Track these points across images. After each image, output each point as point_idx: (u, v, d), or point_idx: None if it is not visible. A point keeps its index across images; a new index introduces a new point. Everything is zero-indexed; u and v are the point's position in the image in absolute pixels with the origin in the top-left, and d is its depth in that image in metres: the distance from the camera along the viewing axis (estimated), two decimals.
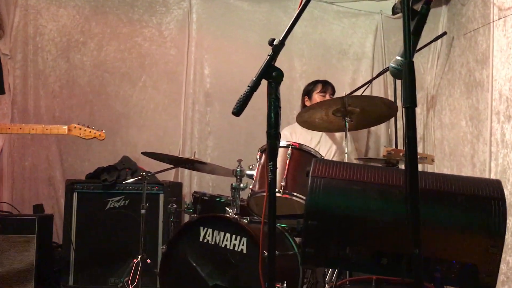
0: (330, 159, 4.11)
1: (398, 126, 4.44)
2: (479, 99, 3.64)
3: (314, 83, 4.30)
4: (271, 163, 1.84)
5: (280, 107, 1.87)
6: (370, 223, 2.05)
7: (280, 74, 1.87)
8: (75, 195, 4.02)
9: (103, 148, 4.55)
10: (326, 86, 4.24)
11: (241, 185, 3.28)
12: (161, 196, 4.05)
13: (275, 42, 1.87)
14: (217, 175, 4.35)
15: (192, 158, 3.68)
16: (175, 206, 3.60)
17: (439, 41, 4.35)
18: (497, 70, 3.39)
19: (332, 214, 2.07)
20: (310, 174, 2.12)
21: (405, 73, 1.52)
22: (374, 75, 4.67)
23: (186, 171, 4.65)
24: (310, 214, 2.07)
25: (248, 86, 1.83)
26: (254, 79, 1.84)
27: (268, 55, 1.87)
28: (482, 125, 3.56)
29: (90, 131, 3.56)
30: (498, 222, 2.01)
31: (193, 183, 4.69)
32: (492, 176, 3.34)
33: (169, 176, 4.50)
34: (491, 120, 3.41)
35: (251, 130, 4.80)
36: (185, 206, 3.58)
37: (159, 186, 4.07)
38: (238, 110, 1.81)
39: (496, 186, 2.09)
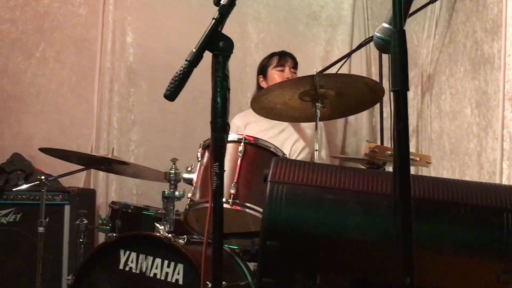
0: (295, 158, 4.13)
1: (385, 115, 4.49)
2: (488, 80, 3.72)
3: (269, 56, 4.32)
4: (217, 164, 1.83)
5: (229, 89, 1.86)
6: (348, 244, 2.07)
7: (229, 45, 1.86)
8: None
9: None
10: (284, 58, 4.26)
11: (177, 193, 3.25)
12: (67, 208, 4.01)
13: (222, 1, 1.86)
14: (144, 180, 4.31)
15: (110, 156, 3.63)
16: (85, 221, 3.55)
17: (437, 3, 4.42)
18: (511, 42, 3.46)
19: (298, 232, 2.08)
20: (269, 178, 2.12)
21: (395, 45, 1.54)
22: (354, 47, 4.70)
23: (101, 174, 4.60)
24: (269, 232, 2.07)
25: (186, 61, 1.82)
26: (194, 51, 1.82)
27: (214, 18, 1.86)
28: (492, 114, 3.64)
29: None
30: (511, 241, 2.07)
31: (110, 190, 4.66)
32: (504, 181, 3.43)
33: (78, 181, 4.47)
34: (504, 107, 3.49)
35: (190, 120, 4.77)
36: (100, 221, 3.54)
37: (64, 195, 4.02)
38: (172, 93, 1.79)
39: (509, 194, 2.15)
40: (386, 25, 1.71)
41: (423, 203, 2.11)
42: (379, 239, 2.09)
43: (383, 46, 1.71)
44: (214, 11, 1.87)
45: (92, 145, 4.68)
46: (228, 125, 1.87)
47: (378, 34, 1.72)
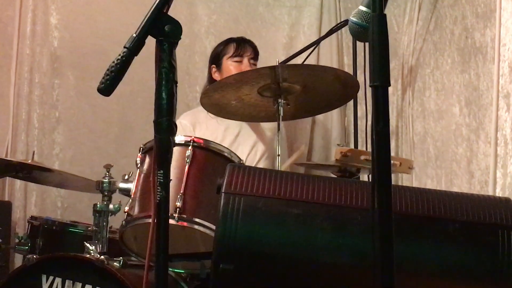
0: (254, 165, 4.14)
1: (359, 114, 4.54)
2: (479, 74, 3.78)
3: (224, 43, 4.33)
4: (162, 171, 1.83)
5: (176, 82, 1.86)
6: (316, 267, 2.09)
7: (176, 29, 1.86)
8: None
9: None
10: (243, 46, 4.27)
11: (111, 206, 3.25)
12: None
13: None
14: (71, 190, 4.31)
15: (30, 162, 3.60)
16: None
17: None
18: (506, 29, 3.51)
19: (257, 254, 2.09)
20: (223, 189, 2.13)
21: (374, 32, 1.55)
22: (323, 33, 4.73)
23: (19, 183, 4.57)
24: (223, 253, 2.08)
25: (125, 48, 1.81)
26: (134, 36, 1.82)
27: None
28: (484, 113, 3.69)
29: None
30: (508, 263, 2.10)
31: (30, 202, 4.62)
32: (498, 192, 3.47)
33: None
34: (498, 106, 3.54)
35: (127, 118, 4.77)
36: (17, 240, 3.52)
37: None
38: (107, 86, 1.78)
39: (504, 208, 2.19)
40: (363, 8, 1.73)
41: (403, 218, 2.13)
42: (352, 261, 2.10)
43: (359, 33, 1.73)
44: None
45: (7, 148, 4.61)
46: (175, 125, 1.87)
47: (354, 19, 1.74)
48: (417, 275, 2.11)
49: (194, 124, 4.20)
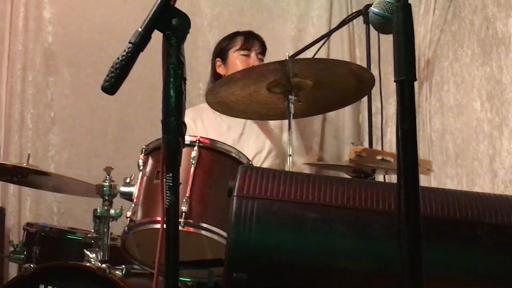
0: (260, 165, 4.13)
1: (374, 110, 4.54)
2: (502, 66, 3.77)
3: (231, 36, 4.33)
4: (171, 175, 1.82)
5: (185, 79, 1.86)
6: (336, 274, 2.08)
7: (184, 23, 1.88)
8: None
9: None
10: (251, 40, 4.28)
11: (112, 211, 3.25)
12: None
13: None
14: (68, 195, 4.29)
15: (25, 165, 3.60)
16: None
17: None
18: None
19: (272, 261, 2.08)
20: (235, 192, 2.12)
21: (398, 24, 1.55)
22: (333, 24, 4.72)
23: (13, 187, 4.57)
24: (236, 260, 2.07)
25: (131, 43, 1.80)
26: (140, 30, 1.81)
27: None
28: (508, 108, 3.69)
29: None
30: None
31: (24, 208, 4.63)
32: None
33: None
34: None
35: (126, 117, 4.78)
36: (12, 248, 3.53)
37: None
38: (112, 84, 1.77)
39: None
40: None
41: (428, 222, 2.12)
42: (374, 268, 2.10)
43: (382, 25, 1.72)
44: None
45: None
46: (185, 125, 1.86)
47: (376, 10, 1.74)
48: (443, 281, 2.10)
49: (196, 121, 4.20)
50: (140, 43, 1.80)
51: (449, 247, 2.13)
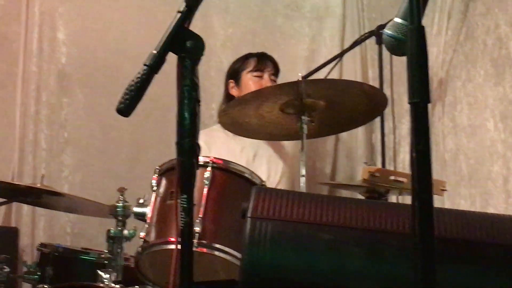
0: (275, 186, 4.13)
1: (386, 130, 4.53)
2: None
3: (244, 58, 4.35)
4: (185, 196, 1.82)
5: (199, 101, 1.86)
6: None
7: (199, 45, 1.91)
8: None
9: None
10: (264, 62, 4.29)
11: (126, 231, 3.26)
12: None
13: None
14: (81, 215, 4.30)
15: (38, 185, 3.61)
16: (6, 269, 3.50)
17: None
18: None
19: (286, 283, 2.07)
20: (249, 213, 2.11)
21: (412, 46, 1.55)
22: (346, 45, 4.73)
23: (26, 208, 4.55)
24: (250, 282, 2.06)
25: (145, 65, 1.81)
26: (155, 52, 1.82)
27: (179, 11, 1.87)
28: None
29: None
30: None
31: (37, 228, 4.61)
32: None
33: None
34: None
35: (139, 137, 4.79)
36: (25, 269, 3.52)
37: None
38: (127, 106, 1.77)
39: None
40: (399, 20, 1.73)
41: (442, 243, 2.11)
42: None
43: (395, 47, 1.73)
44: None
45: (13, 171, 4.61)
46: (199, 146, 1.86)
47: (389, 32, 1.74)
48: None
49: (209, 143, 4.20)
50: (155, 65, 1.81)
51: (463, 268, 2.12)
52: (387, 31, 1.75)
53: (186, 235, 1.82)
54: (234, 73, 4.33)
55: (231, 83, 4.31)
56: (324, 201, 2.19)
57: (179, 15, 1.86)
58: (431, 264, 1.54)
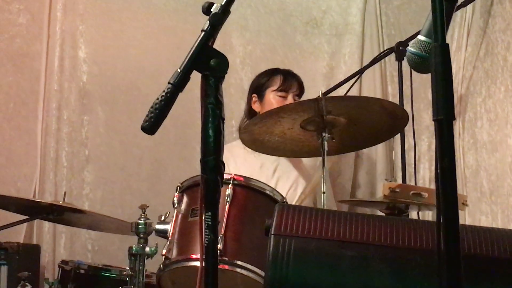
0: (294, 203, 4.12)
1: (407, 146, 4.52)
2: None
3: (270, 74, 4.30)
4: (209, 213, 1.83)
5: (223, 119, 1.88)
6: None
7: (223, 63, 1.91)
8: None
9: None
10: (290, 82, 4.23)
11: (147, 249, 3.25)
12: (3, 270, 3.98)
13: (213, 9, 1.87)
14: (102, 232, 4.29)
15: (61, 203, 3.62)
16: (29, 287, 3.51)
17: (468, 7, 4.47)
18: None
19: None
20: (272, 231, 2.12)
21: (436, 63, 1.55)
22: (365, 61, 4.73)
23: (47, 225, 4.57)
24: None
25: (169, 83, 1.82)
26: (179, 71, 1.83)
27: (203, 30, 1.87)
28: None
29: None
30: None
31: (59, 245, 4.62)
32: None
33: (18, 235, 4.43)
34: None
35: (160, 155, 4.78)
36: (47, 286, 3.53)
37: (0, 252, 3.97)
38: (152, 125, 1.78)
39: None
40: (422, 38, 1.73)
41: (468, 260, 2.10)
42: None
43: (419, 64, 1.73)
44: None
45: (35, 189, 4.63)
46: (223, 164, 1.87)
47: (413, 49, 1.74)
48: None
49: (229, 160, 4.19)
50: (179, 83, 1.82)
51: (489, 285, 2.12)
52: (410, 48, 1.76)
53: (210, 252, 1.82)
54: (258, 89, 4.27)
55: (254, 98, 4.25)
56: (347, 218, 2.19)
57: (203, 33, 1.86)
58: (457, 281, 1.53)
